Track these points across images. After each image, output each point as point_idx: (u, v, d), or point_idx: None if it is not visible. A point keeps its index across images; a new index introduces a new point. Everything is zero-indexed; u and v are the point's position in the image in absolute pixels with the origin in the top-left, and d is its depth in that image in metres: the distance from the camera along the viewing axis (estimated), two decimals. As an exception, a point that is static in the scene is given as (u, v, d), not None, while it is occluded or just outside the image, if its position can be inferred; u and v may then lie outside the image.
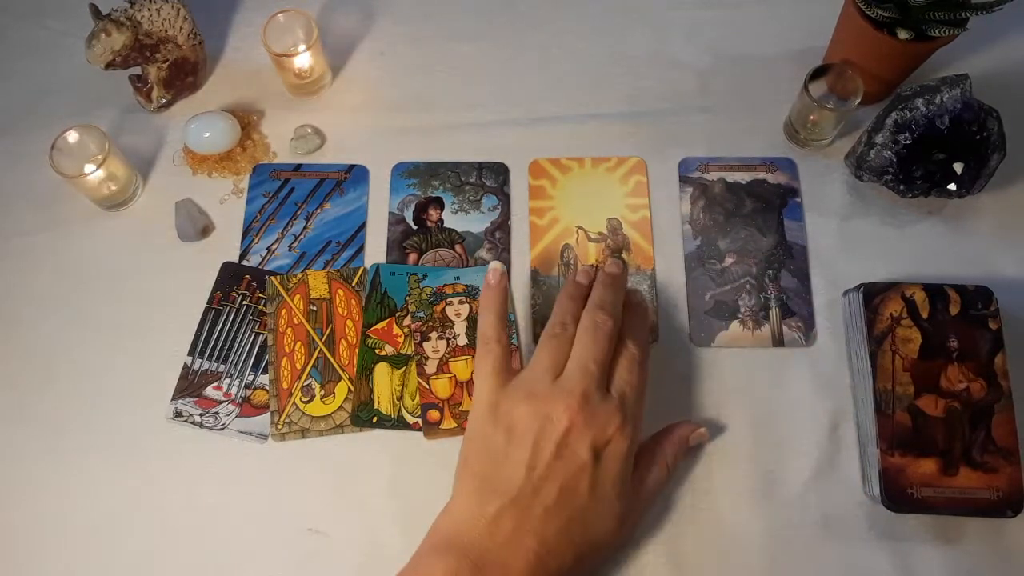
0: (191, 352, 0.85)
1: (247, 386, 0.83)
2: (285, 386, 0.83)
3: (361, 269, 0.88)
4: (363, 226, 0.90)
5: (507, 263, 0.88)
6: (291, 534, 0.78)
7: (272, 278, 0.87)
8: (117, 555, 0.78)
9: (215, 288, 0.87)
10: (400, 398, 0.82)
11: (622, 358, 0.71)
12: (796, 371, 0.83)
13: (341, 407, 0.82)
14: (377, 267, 0.88)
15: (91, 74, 0.90)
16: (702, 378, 0.83)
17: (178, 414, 0.82)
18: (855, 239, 0.88)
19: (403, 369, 0.83)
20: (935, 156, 0.83)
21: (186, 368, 0.84)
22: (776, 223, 0.89)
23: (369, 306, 0.86)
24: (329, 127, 0.94)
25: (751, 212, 0.89)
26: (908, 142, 0.83)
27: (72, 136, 0.86)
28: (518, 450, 0.66)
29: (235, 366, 0.84)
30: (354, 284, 0.87)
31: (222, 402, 0.83)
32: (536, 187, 0.91)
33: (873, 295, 0.78)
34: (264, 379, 0.84)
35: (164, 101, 0.94)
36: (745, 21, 0.99)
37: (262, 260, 0.89)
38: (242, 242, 0.89)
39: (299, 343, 0.85)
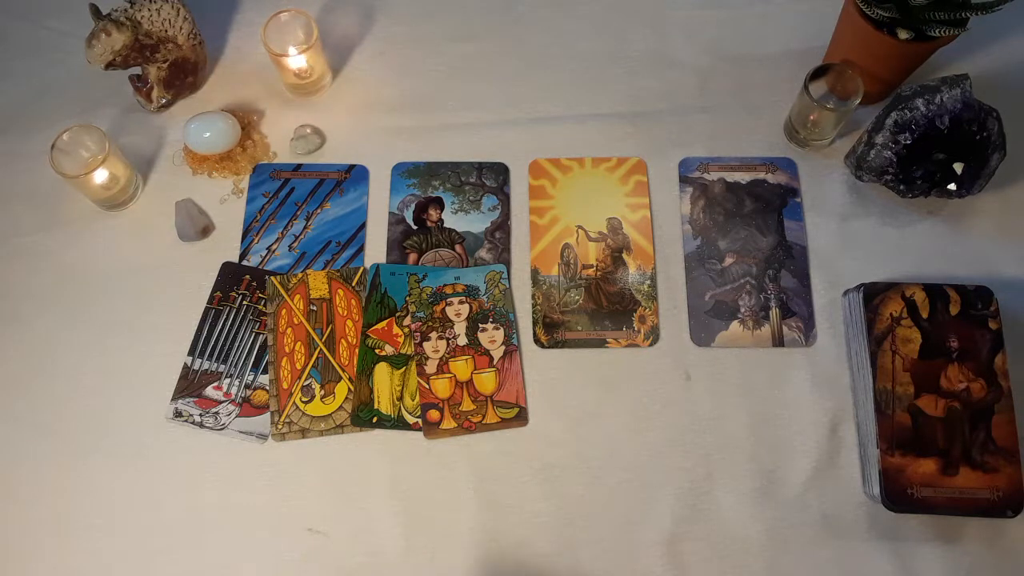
0: (191, 352, 0.85)
1: (247, 386, 0.83)
2: (285, 386, 0.83)
3: (361, 269, 0.88)
4: (363, 226, 0.90)
5: (507, 263, 0.88)
6: (291, 534, 0.78)
7: (272, 278, 0.87)
8: (117, 555, 0.78)
9: (215, 288, 0.87)
10: (400, 398, 0.82)
11: None
12: (796, 371, 0.83)
13: (341, 407, 0.82)
14: (377, 267, 0.88)
15: (91, 74, 0.90)
16: (702, 378, 0.83)
17: (178, 414, 0.82)
18: (855, 239, 0.88)
19: (403, 369, 0.83)
20: (935, 156, 0.83)
21: (186, 368, 0.84)
22: (776, 223, 0.89)
23: (369, 306, 0.86)
24: (329, 127, 0.94)
25: (751, 212, 0.89)
26: (908, 142, 0.82)
27: (72, 136, 0.86)
28: None
29: (235, 366, 0.84)
30: (354, 284, 0.87)
31: (222, 402, 0.83)
32: (536, 187, 0.91)
33: (873, 295, 0.78)
34: (264, 379, 0.84)
35: (164, 101, 0.94)
36: (745, 21, 0.99)
37: (262, 260, 0.89)
38: (242, 242, 0.89)
39: (299, 343, 0.85)
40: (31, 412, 0.83)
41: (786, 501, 0.78)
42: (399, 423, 0.81)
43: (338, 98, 0.96)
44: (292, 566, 0.78)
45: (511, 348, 0.84)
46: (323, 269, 0.88)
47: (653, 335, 0.85)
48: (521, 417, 0.82)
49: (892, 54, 0.85)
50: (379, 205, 0.91)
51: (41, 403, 0.83)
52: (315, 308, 0.86)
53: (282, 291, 0.87)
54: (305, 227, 0.90)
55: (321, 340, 0.85)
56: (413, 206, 0.91)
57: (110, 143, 0.85)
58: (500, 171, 0.92)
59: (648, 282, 0.87)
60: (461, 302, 0.86)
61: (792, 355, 0.84)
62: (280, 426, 0.81)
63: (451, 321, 0.85)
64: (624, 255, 0.88)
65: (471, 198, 0.91)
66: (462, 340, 0.84)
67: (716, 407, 0.82)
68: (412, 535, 0.78)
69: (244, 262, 0.88)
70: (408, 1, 1.01)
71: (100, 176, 0.86)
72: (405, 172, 0.92)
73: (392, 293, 0.86)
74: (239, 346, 0.85)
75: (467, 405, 0.82)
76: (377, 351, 0.84)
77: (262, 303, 0.86)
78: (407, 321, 0.85)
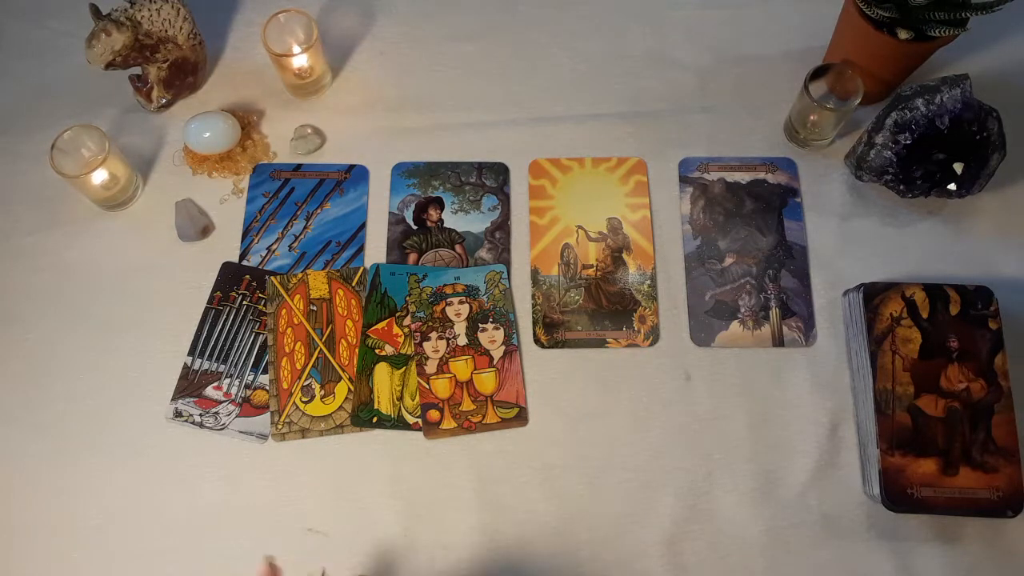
0: (191, 352, 0.85)
1: (247, 386, 0.83)
2: (285, 386, 0.83)
3: (361, 269, 0.88)
4: (363, 226, 0.90)
5: (507, 263, 0.88)
6: (291, 534, 0.78)
7: (272, 278, 0.87)
8: (117, 555, 0.78)
9: (215, 288, 0.87)
10: (400, 398, 0.82)
11: None
12: (796, 371, 0.83)
13: (341, 407, 0.82)
14: (377, 267, 0.88)
15: (91, 74, 0.90)
16: (702, 378, 0.83)
17: (178, 414, 0.82)
18: (855, 239, 0.88)
19: (403, 369, 0.83)
20: (935, 156, 0.83)
21: (186, 368, 0.84)
22: (776, 223, 0.89)
23: (369, 306, 0.86)
24: (329, 127, 0.94)
25: (751, 212, 0.89)
26: (908, 142, 0.82)
27: (72, 136, 0.86)
28: None
29: (235, 366, 0.84)
30: (354, 284, 0.87)
31: (222, 402, 0.83)
32: (536, 187, 0.91)
33: (873, 295, 0.78)
34: (264, 379, 0.84)
35: (164, 101, 0.94)
36: (745, 21, 0.99)
37: (262, 260, 0.89)
38: (242, 242, 0.89)
39: (299, 343, 0.85)
40: (31, 412, 0.83)
41: (786, 501, 0.78)
42: (399, 423, 0.81)
43: (338, 98, 0.96)
44: (292, 566, 0.78)
45: (511, 348, 0.84)
46: (323, 269, 0.88)
47: (653, 335, 0.85)
48: (521, 417, 0.82)
49: (892, 54, 0.85)
50: (379, 205, 0.91)
51: (41, 403, 0.83)
52: (315, 308, 0.86)
53: (282, 291, 0.87)
54: (305, 227, 0.90)
55: (321, 340, 0.85)
56: (413, 206, 0.91)
57: (110, 143, 0.85)
58: (500, 171, 0.92)
59: (648, 282, 0.87)
60: (461, 302, 0.86)
61: (792, 355, 0.84)
62: (280, 426, 0.81)
63: (451, 321, 0.85)
64: (624, 255, 0.88)
65: (471, 198, 0.91)
66: (462, 340, 0.84)
67: (716, 407, 0.82)
68: (412, 535, 0.78)
69: (244, 262, 0.88)
70: (408, 1, 1.01)
71: (100, 176, 0.86)
72: (405, 172, 0.92)
73: (392, 293, 0.86)
74: (239, 346, 0.85)
75: (467, 405, 0.82)
76: (377, 351, 0.84)
77: (262, 303, 0.86)
78: (407, 321, 0.85)
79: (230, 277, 0.88)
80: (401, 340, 0.84)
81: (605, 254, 0.88)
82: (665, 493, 0.79)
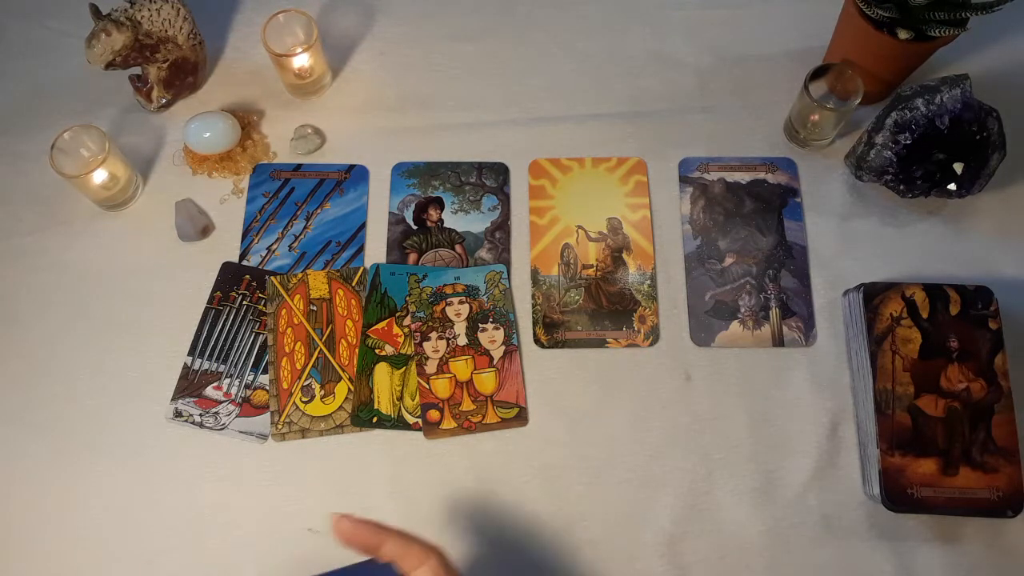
0: (191, 352, 0.84)
1: (247, 386, 0.83)
2: (285, 386, 0.83)
3: (361, 269, 0.88)
4: (363, 226, 0.90)
5: (507, 263, 0.88)
6: (291, 534, 0.78)
7: (272, 278, 0.87)
8: (117, 555, 0.78)
9: (215, 288, 0.87)
10: (400, 398, 0.82)
11: None
12: (796, 371, 0.83)
13: (341, 407, 0.82)
14: (377, 267, 0.88)
15: (91, 74, 0.90)
16: (702, 378, 0.83)
17: (178, 414, 0.82)
18: (855, 239, 0.88)
19: (403, 369, 0.83)
20: (935, 156, 0.83)
21: (186, 368, 0.84)
22: (776, 223, 0.89)
23: (369, 306, 0.86)
24: (329, 127, 0.94)
25: (751, 212, 0.89)
26: (908, 142, 0.82)
27: (72, 136, 0.86)
28: None
29: (235, 366, 0.84)
30: (354, 284, 0.87)
31: (222, 402, 0.83)
32: (536, 187, 0.91)
33: (873, 295, 0.78)
34: (264, 379, 0.84)
35: (164, 101, 0.94)
36: (745, 21, 0.99)
37: (262, 260, 0.89)
38: (242, 242, 0.89)
39: (299, 343, 0.85)
40: (31, 412, 0.83)
41: (786, 501, 0.78)
42: (399, 423, 0.81)
43: (338, 98, 0.96)
44: (292, 566, 0.78)
45: (511, 348, 0.84)
46: (323, 269, 0.88)
47: (653, 335, 0.85)
48: (521, 417, 0.82)
49: (892, 54, 0.85)
50: (379, 205, 0.91)
51: (41, 403, 0.83)
52: (315, 308, 0.86)
53: (282, 291, 0.87)
54: (305, 227, 0.90)
55: (321, 340, 0.85)
56: (413, 206, 0.91)
57: (110, 143, 0.85)
58: (500, 171, 0.92)
59: (648, 282, 0.87)
60: (461, 302, 0.86)
61: (792, 355, 0.84)
62: (280, 426, 0.81)
63: (451, 321, 0.85)
64: (624, 255, 0.88)
65: (471, 198, 0.91)
66: (462, 340, 0.84)
67: (716, 407, 0.82)
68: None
69: (244, 262, 0.88)
70: (408, 1, 1.01)
71: (100, 176, 0.86)
72: (405, 172, 0.92)
73: (392, 293, 0.86)
74: (239, 346, 0.85)
75: (467, 405, 0.82)
76: (377, 351, 0.84)
77: (262, 303, 0.86)
78: (407, 321, 0.85)
79: (230, 277, 0.88)
80: (401, 340, 0.84)
81: (605, 254, 0.88)
82: (665, 493, 0.79)
